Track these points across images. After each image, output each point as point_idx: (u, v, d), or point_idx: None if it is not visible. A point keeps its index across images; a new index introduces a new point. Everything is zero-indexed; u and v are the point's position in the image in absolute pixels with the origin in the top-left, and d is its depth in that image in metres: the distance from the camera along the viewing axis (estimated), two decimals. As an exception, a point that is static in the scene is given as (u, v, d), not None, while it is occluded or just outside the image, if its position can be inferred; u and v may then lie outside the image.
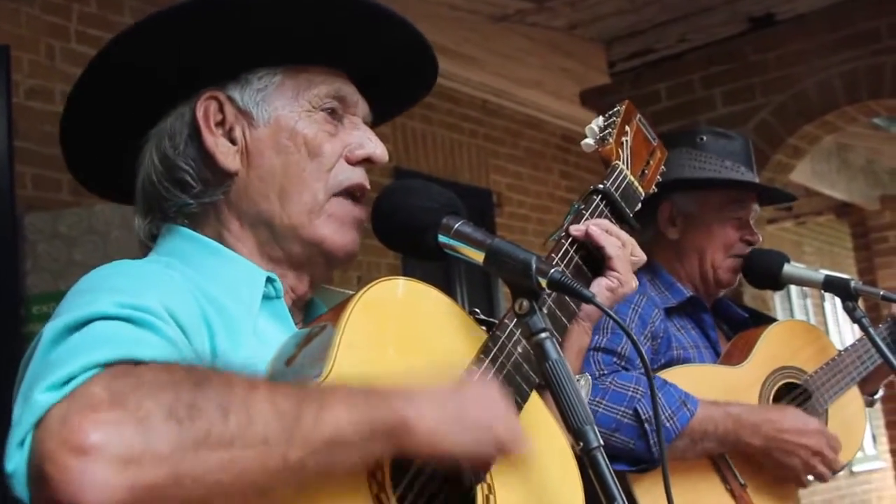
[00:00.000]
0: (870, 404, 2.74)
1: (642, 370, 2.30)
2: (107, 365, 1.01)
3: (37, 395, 0.97)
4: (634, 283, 1.55)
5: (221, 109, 1.38)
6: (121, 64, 1.37)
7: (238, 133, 1.38)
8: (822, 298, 11.98)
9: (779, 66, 5.72)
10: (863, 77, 5.51)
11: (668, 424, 2.20)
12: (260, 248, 1.39)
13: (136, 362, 1.02)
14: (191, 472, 0.93)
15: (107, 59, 1.36)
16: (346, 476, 1.09)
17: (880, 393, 2.76)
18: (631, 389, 2.21)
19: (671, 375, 2.33)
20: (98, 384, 0.96)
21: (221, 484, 0.95)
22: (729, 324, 2.74)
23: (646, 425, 2.18)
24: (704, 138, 2.60)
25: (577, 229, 1.52)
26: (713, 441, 2.29)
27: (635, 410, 2.19)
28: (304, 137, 1.38)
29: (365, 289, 1.24)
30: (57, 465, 0.90)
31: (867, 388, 2.69)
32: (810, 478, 2.43)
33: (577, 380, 1.50)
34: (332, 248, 1.39)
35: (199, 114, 1.37)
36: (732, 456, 2.37)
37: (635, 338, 1.26)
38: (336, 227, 1.39)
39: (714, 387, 2.38)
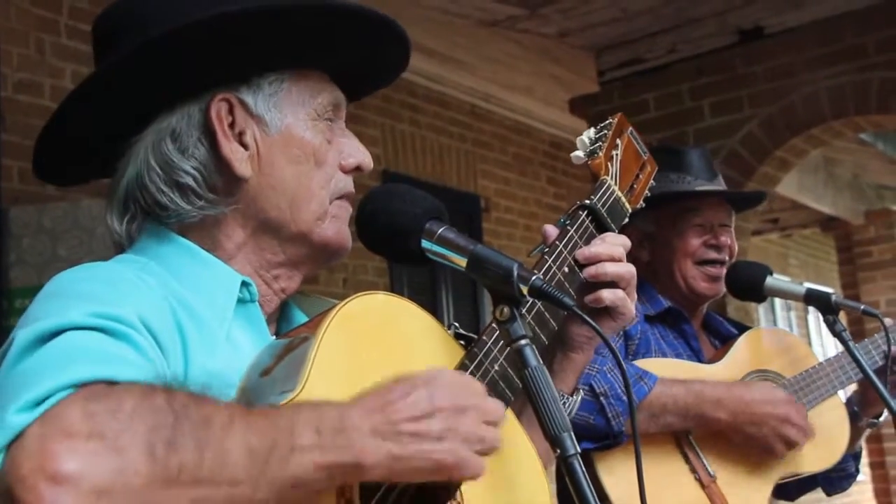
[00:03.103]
0: (871, 426, 2.73)
1: (602, 354, 2.30)
2: (82, 385, 1.00)
3: (9, 417, 0.96)
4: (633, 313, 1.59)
5: (231, 112, 1.35)
6: (126, 62, 1.32)
7: (249, 138, 1.35)
8: (806, 311, 12.03)
9: (767, 78, 5.75)
10: (849, 92, 5.54)
11: (623, 398, 2.21)
12: (259, 252, 1.38)
13: (112, 382, 1.01)
14: None
15: (124, 61, 1.32)
16: (314, 496, 1.09)
17: (884, 416, 2.69)
18: (586, 367, 2.21)
19: (643, 364, 2.36)
20: (74, 407, 0.95)
21: None
22: (719, 339, 2.76)
23: (601, 399, 2.19)
24: None
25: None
26: (674, 415, 2.30)
27: (590, 385, 2.20)
28: (312, 147, 1.38)
29: (343, 303, 1.23)
30: (31, 491, 0.89)
31: (870, 410, 2.67)
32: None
33: (572, 395, 1.59)
34: (336, 247, 1.41)
35: (213, 116, 1.33)
36: (702, 446, 2.39)
37: (606, 337, 1.28)
38: (338, 227, 1.41)
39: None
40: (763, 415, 2.36)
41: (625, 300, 1.54)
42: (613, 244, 1.55)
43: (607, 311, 1.55)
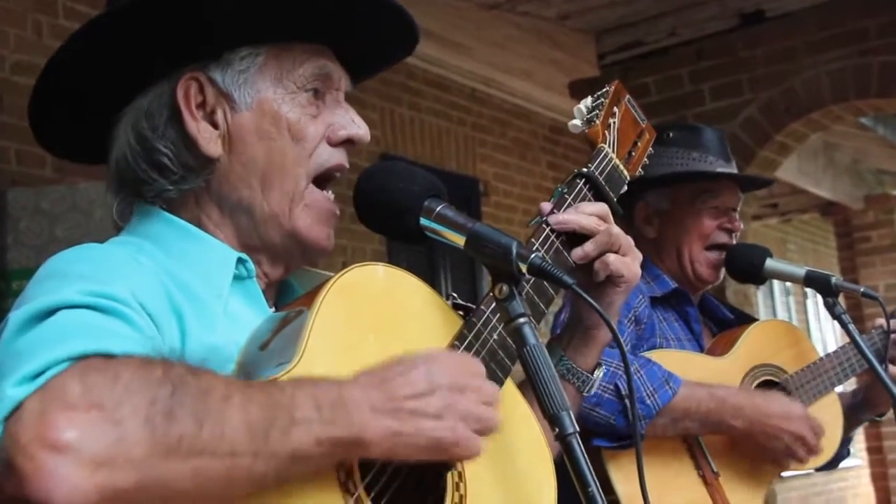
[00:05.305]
0: (874, 421, 2.77)
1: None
2: (79, 358, 0.99)
3: (7, 390, 0.96)
4: (637, 272, 1.55)
5: (202, 91, 1.34)
6: (101, 36, 1.33)
7: (219, 117, 1.34)
8: (805, 296, 12.04)
9: (767, 62, 5.74)
10: (850, 76, 5.53)
11: (648, 401, 2.21)
12: (238, 235, 1.37)
13: (110, 356, 1.01)
14: (159, 478, 0.94)
15: (91, 31, 1.32)
16: (314, 471, 1.10)
17: (890, 414, 2.70)
18: (613, 365, 2.20)
19: (654, 357, 2.34)
20: (72, 379, 0.95)
21: (186, 492, 0.97)
22: (714, 322, 2.76)
23: (626, 401, 2.18)
24: (671, 134, 2.59)
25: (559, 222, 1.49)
26: (695, 420, 2.30)
27: (616, 386, 2.19)
28: (287, 122, 1.35)
29: (340, 273, 1.23)
30: (31, 460, 0.89)
31: (877, 409, 2.69)
32: (786, 470, 2.46)
33: (592, 372, 1.58)
34: (308, 239, 1.37)
35: (180, 95, 1.33)
36: (708, 443, 2.39)
37: (612, 324, 1.27)
38: (313, 220, 1.37)
39: (695, 374, 2.39)
40: (779, 429, 2.36)
41: (616, 261, 1.50)
42: (583, 212, 1.51)
43: (609, 279, 1.53)
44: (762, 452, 2.40)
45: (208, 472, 0.97)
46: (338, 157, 1.40)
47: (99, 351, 1.01)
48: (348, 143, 1.41)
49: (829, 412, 2.60)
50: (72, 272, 1.17)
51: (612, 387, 2.19)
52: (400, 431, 1.08)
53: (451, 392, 1.12)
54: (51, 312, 1.08)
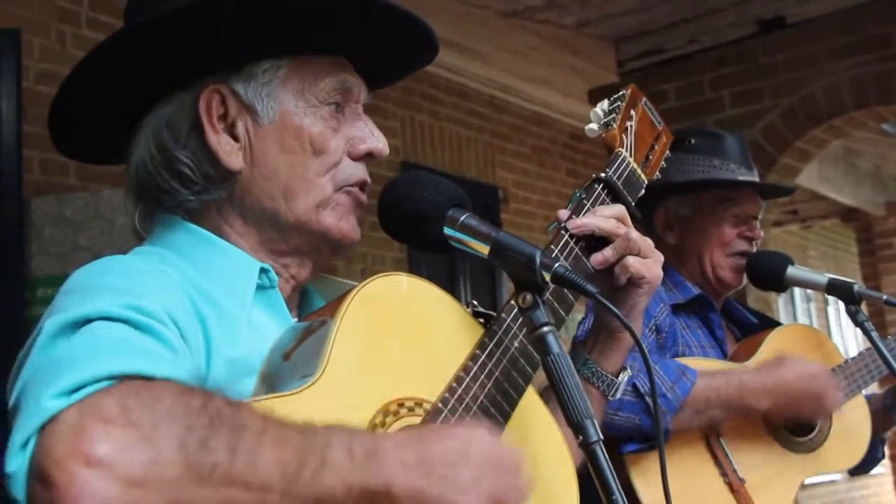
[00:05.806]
0: None
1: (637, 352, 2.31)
2: (119, 377, 0.99)
3: (45, 401, 0.96)
4: (659, 273, 1.55)
5: (224, 103, 1.34)
6: (123, 49, 1.33)
7: (241, 129, 1.34)
8: (826, 302, 11.98)
9: (788, 69, 5.72)
10: (871, 82, 5.50)
11: (669, 395, 2.21)
12: (262, 243, 1.37)
13: (149, 378, 1.01)
14: (188, 503, 0.93)
15: (113, 44, 1.33)
16: None
17: None
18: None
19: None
20: (111, 399, 0.95)
21: None
22: (738, 326, 2.75)
23: (647, 398, 2.17)
24: (693, 140, 2.59)
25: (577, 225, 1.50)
26: (717, 408, 2.30)
27: (633, 386, 2.18)
28: (309, 136, 1.35)
29: (363, 284, 1.23)
30: (64, 471, 0.89)
31: None
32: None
33: (618, 376, 1.58)
34: (338, 235, 1.38)
35: (202, 107, 1.33)
36: (732, 447, 2.38)
37: (632, 327, 1.28)
38: (341, 215, 1.38)
39: None
40: (801, 393, 2.36)
41: (636, 264, 1.50)
42: (602, 215, 1.52)
43: (630, 282, 1.53)
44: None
45: (237, 503, 0.96)
46: (360, 172, 1.40)
47: (139, 372, 1.01)
48: (368, 157, 1.41)
49: (856, 414, 2.59)
50: (103, 284, 1.17)
51: (630, 388, 2.17)
52: (424, 492, 1.06)
53: (482, 470, 1.10)
54: (86, 322, 1.08)
